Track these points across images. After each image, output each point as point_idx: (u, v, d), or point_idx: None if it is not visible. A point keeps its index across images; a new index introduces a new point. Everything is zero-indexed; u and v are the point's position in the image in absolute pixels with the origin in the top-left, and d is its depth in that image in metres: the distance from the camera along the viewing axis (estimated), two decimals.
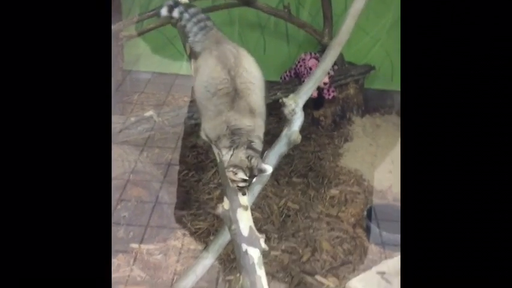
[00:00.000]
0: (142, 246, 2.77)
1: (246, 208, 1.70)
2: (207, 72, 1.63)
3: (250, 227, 1.70)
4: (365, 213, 2.98)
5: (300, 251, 2.81)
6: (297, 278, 2.62)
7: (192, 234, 2.87)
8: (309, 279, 2.63)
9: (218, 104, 1.57)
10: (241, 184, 1.58)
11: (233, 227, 1.70)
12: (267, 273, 2.65)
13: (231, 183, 1.60)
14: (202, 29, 1.76)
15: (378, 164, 3.57)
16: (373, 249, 2.85)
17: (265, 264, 2.78)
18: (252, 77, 1.63)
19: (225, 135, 1.55)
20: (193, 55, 1.78)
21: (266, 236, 2.93)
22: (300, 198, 3.21)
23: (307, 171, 3.45)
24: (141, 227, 2.88)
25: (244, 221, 1.70)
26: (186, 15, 1.77)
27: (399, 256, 2.76)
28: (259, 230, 2.95)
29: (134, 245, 2.77)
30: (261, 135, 1.61)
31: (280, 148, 2.37)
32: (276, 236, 2.90)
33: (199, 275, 1.92)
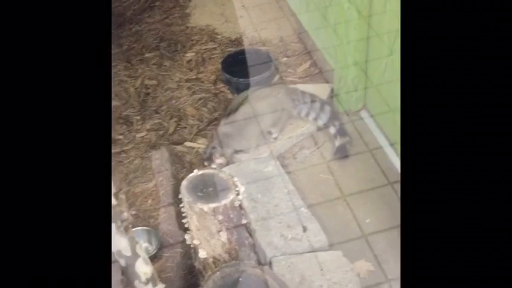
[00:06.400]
0: None
1: None
2: None
3: None
4: (220, 66, 2.88)
5: (166, 124, 2.72)
6: (166, 151, 2.57)
7: None
8: (178, 148, 2.58)
9: None
10: None
11: None
12: (137, 157, 2.59)
13: None
14: None
15: (228, 13, 3.41)
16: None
17: (133, 148, 2.69)
18: None
19: None
20: None
21: (128, 121, 2.82)
22: (156, 72, 3.04)
23: (158, 43, 3.25)
24: None
25: None
26: None
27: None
28: (120, 118, 2.84)
29: None
30: None
31: None
32: (138, 117, 2.78)
33: None
